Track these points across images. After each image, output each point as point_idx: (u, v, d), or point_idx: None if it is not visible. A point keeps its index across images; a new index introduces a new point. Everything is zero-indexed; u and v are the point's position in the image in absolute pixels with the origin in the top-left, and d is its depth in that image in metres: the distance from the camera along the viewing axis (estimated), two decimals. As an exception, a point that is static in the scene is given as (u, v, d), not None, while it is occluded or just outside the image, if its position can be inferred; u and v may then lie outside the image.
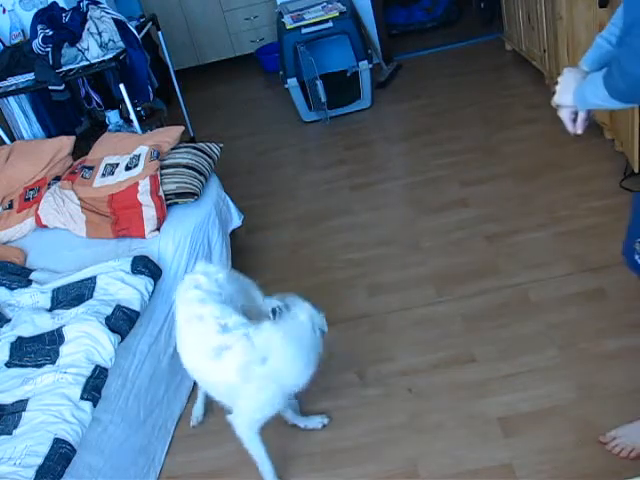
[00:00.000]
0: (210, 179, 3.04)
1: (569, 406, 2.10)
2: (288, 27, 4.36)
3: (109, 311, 2.27)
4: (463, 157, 3.69)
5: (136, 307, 2.33)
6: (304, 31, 4.31)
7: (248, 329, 1.94)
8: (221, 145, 3.19)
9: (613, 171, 3.12)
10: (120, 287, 2.37)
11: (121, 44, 3.54)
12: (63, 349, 2.15)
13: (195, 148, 3.06)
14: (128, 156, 2.94)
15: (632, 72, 1.29)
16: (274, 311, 1.97)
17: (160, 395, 2.40)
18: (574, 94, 1.54)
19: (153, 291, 2.50)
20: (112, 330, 2.19)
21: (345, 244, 3.20)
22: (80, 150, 3.37)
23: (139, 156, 2.89)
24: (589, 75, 1.50)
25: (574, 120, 1.61)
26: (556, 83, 1.65)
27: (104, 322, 2.19)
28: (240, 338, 1.92)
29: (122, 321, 2.25)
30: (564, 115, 1.62)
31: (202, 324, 1.99)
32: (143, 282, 2.43)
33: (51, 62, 3.41)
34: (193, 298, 2.05)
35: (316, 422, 2.29)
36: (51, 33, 3.46)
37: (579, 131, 1.63)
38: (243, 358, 1.92)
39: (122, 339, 2.23)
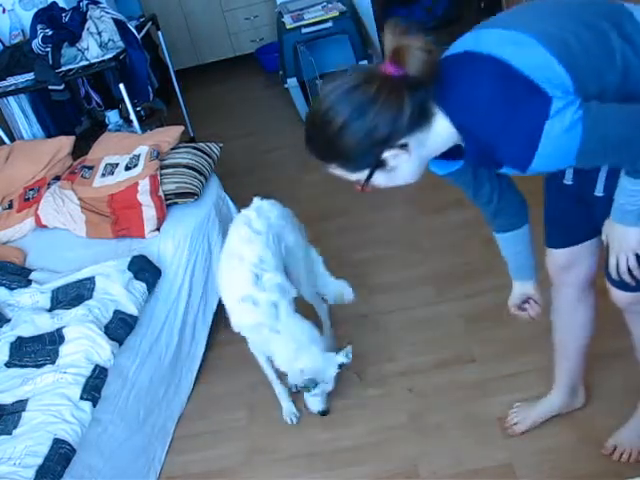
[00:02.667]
0: (210, 179, 3.03)
1: (569, 406, 2.10)
2: (288, 27, 4.36)
3: (108, 318, 2.28)
4: (463, 157, 3.68)
5: (134, 311, 2.34)
6: (304, 31, 4.31)
7: (279, 300, 2.07)
8: (221, 145, 3.19)
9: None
10: (119, 288, 2.37)
11: (121, 44, 3.54)
12: (63, 349, 2.15)
13: (195, 148, 3.06)
14: (128, 156, 2.94)
15: None
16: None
17: (160, 395, 2.40)
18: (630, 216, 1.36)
19: (153, 291, 2.51)
20: (111, 338, 2.20)
21: (345, 244, 3.20)
22: (80, 150, 3.37)
23: (139, 156, 2.89)
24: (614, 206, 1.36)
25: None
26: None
27: (103, 331, 2.20)
28: (268, 303, 2.05)
29: (121, 329, 2.27)
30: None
31: (240, 266, 2.11)
32: (142, 283, 2.44)
33: (51, 62, 3.41)
34: (240, 236, 2.18)
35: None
36: (51, 33, 3.46)
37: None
38: (261, 319, 2.05)
39: (121, 345, 2.25)
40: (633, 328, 1.78)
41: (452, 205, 3.29)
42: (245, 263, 2.11)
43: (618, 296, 1.61)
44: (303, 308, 2.47)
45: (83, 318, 2.24)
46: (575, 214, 1.66)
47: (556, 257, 1.82)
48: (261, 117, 4.95)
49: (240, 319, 2.13)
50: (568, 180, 1.60)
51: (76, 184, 2.95)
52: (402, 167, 1.32)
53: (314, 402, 2.20)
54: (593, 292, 1.86)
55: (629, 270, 1.43)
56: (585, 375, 2.13)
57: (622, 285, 1.51)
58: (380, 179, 1.32)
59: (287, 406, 2.34)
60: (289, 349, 2.07)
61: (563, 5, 1.35)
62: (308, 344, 2.08)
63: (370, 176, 1.30)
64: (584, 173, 1.49)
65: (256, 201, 2.34)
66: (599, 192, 1.48)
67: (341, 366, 2.11)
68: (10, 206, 3.07)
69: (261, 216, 2.25)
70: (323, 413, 2.20)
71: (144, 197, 2.76)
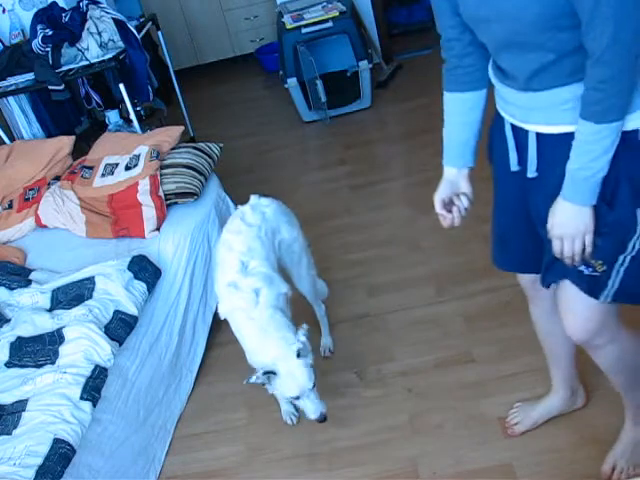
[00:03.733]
0: (210, 179, 3.03)
1: (569, 406, 2.10)
2: (288, 27, 4.36)
3: (108, 318, 2.28)
4: (463, 157, 3.68)
5: (134, 311, 2.34)
6: (304, 31, 4.31)
7: (261, 287, 2.08)
8: (221, 145, 3.19)
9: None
10: (119, 288, 2.37)
11: (121, 44, 3.54)
12: (63, 349, 2.15)
13: (195, 148, 3.06)
14: (128, 156, 2.94)
15: (622, 40, 1.14)
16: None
17: (160, 395, 2.40)
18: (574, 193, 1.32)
19: (153, 291, 2.51)
20: (111, 338, 2.21)
21: (345, 244, 3.20)
22: (80, 150, 3.38)
23: (139, 156, 2.89)
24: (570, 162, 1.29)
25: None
26: None
27: (103, 331, 2.21)
28: (249, 289, 2.07)
29: (121, 329, 2.27)
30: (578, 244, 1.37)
31: (229, 255, 2.18)
32: (142, 283, 2.44)
33: (51, 62, 3.41)
34: (232, 228, 2.27)
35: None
36: (51, 33, 3.46)
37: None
38: (239, 304, 2.07)
39: (121, 345, 2.25)
40: (601, 363, 1.70)
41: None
42: (234, 252, 2.17)
43: (575, 330, 1.57)
44: (300, 311, 2.48)
45: (83, 318, 2.24)
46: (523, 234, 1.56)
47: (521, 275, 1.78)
48: (261, 117, 4.95)
49: (222, 304, 2.16)
50: (514, 166, 1.53)
51: (76, 184, 2.95)
52: None
53: (308, 407, 2.00)
54: None
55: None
56: (585, 375, 2.14)
57: (583, 283, 1.45)
58: None
59: (285, 406, 2.34)
60: (257, 339, 2.03)
61: None
62: (276, 339, 1.99)
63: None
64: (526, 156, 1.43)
65: (253, 198, 2.39)
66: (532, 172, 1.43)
67: (299, 354, 1.94)
68: (10, 206, 3.07)
69: (256, 211, 2.31)
70: (321, 419, 1.99)
71: (144, 197, 2.76)
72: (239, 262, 2.13)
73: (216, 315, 2.76)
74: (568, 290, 1.52)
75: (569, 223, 1.35)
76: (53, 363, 2.13)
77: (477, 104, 1.55)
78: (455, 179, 1.67)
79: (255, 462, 2.23)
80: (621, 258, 1.40)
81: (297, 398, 1.98)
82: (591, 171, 1.27)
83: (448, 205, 1.67)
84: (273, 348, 1.98)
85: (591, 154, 1.26)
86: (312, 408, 1.98)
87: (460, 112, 1.57)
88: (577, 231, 1.34)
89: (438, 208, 1.67)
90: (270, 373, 1.94)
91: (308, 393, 1.97)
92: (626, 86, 1.22)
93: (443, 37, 1.50)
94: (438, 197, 1.67)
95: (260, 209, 2.32)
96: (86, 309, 2.28)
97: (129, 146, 3.01)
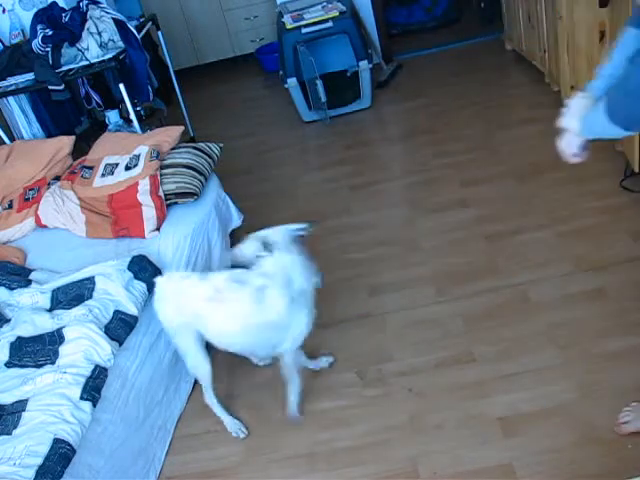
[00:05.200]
0: (210, 179, 3.03)
1: (569, 406, 2.10)
2: (288, 27, 4.36)
3: (108, 318, 2.28)
4: (463, 157, 3.68)
5: (134, 311, 2.34)
6: (304, 31, 4.31)
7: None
8: (221, 145, 3.19)
9: (613, 171, 3.12)
10: (119, 288, 2.37)
11: (121, 44, 3.54)
12: (63, 349, 2.15)
13: (195, 148, 3.06)
14: (128, 156, 2.94)
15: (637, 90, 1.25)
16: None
17: (160, 395, 2.39)
18: (580, 120, 1.53)
19: (153, 291, 2.50)
20: (111, 338, 2.21)
21: (345, 244, 3.20)
22: (80, 150, 3.37)
23: (139, 156, 2.89)
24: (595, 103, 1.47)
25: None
26: (563, 105, 1.61)
27: (103, 331, 2.21)
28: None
29: (121, 329, 2.27)
30: (567, 141, 1.63)
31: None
32: (142, 283, 2.44)
33: (51, 62, 3.41)
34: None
35: (324, 361, 2.49)
36: (51, 33, 3.46)
37: (577, 159, 1.64)
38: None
39: (121, 345, 2.25)
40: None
41: (452, 205, 3.29)
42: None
43: None
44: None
45: (83, 318, 2.24)
46: None
47: None
48: (261, 117, 4.95)
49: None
50: None
51: (76, 184, 2.95)
52: None
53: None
54: None
55: None
56: (585, 375, 2.14)
57: None
58: None
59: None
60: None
61: None
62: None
63: None
64: None
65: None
66: None
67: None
68: (10, 206, 3.07)
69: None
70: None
71: (144, 197, 2.76)
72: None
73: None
74: None
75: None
76: (53, 363, 2.13)
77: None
78: None
79: (255, 462, 2.23)
80: None
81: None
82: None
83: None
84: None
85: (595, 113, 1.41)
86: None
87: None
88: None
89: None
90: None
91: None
92: None
93: None
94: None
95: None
96: (86, 309, 2.28)
97: (129, 146, 3.01)
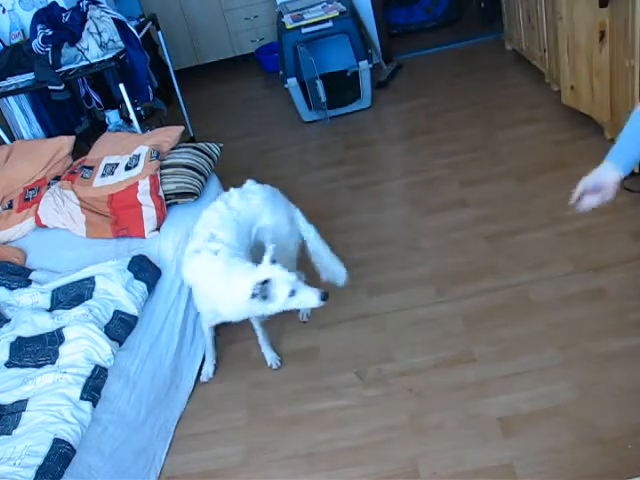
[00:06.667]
0: (210, 179, 3.03)
1: (569, 406, 2.10)
2: (288, 27, 4.36)
3: (108, 318, 2.28)
4: (463, 157, 3.68)
5: (134, 311, 2.34)
6: (304, 31, 4.31)
7: (220, 247, 2.24)
8: (221, 145, 3.19)
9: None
10: (119, 288, 2.37)
11: (121, 44, 3.54)
12: (63, 349, 2.15)
13: (195, 148, 3.06)
14: (128, 156, 2.93)
15: None
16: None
17: (160, 395, 2.39)
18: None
19: (153, 291, 2.50)
20: (111, 338, 2.21)
21: (345, 244, 3.19)
22: (80, 150, 3.37)
23: (139, 156, 2.89)
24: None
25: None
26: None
27: (103, 331, 2.21)
28: (209, 251, 2.25)
29: (121, 329, 2.27)
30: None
31: (202, 228, 2.36)
32: (142, 283, 2.44)
33: (51, 62, 3.41)
34: (215, 207, 2.43)
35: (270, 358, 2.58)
36: (51, 33, 3.46)
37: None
38: (199, 265, 2.27)
39: (121, 345, 2.25)
40: None
41: (452, 205, 3.29)
42: (207, 227, 2.35)
43: None
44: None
45: (83, 318, 2.24)
46: None
47: None
48: (261, 117, 4.95)
49: (185, 269, 2.35)
50: None
51: (76, 184, 2.95)
52: None
53: (307, 297, 2.15)
54: None
55: None
56: (585, 375, 2.14)
57: None
58: None
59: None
60: (224, 281, 2.18)
61: None
62: (244, 269, 2.19)
63: None
64: None
65: (248, 183, 2.53)
66: None
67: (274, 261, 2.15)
68: (10, 206, 3.07)
69: (242, 197, 2.45)
70: (324, 297, 2.13)
71: (144, 197, 2.76)
72: (209, 233, 2.30)
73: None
74: None
75: None
76: (53, 363, 2.13)
77: None
78: (606, 172, 1.64)
79: (255, 462, 2.23)
80: None
81: (293, 293, 2.11)
82: None
83: (585, 193, 1.64)
84: (245, 275, 2.13)
85: None
86: (311, 294, 2.13)
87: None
88: None
89: (580, 188, 1.65)
90: (264, 283, 2.07)
91: (299, 285, 2.13)
92: None
93: None
94: (582, 183, 1.65)
95: (247, 195, 2.45)
96: (86, 309, 2.28)
97: (129, 146, 3.01)
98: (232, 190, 2.50)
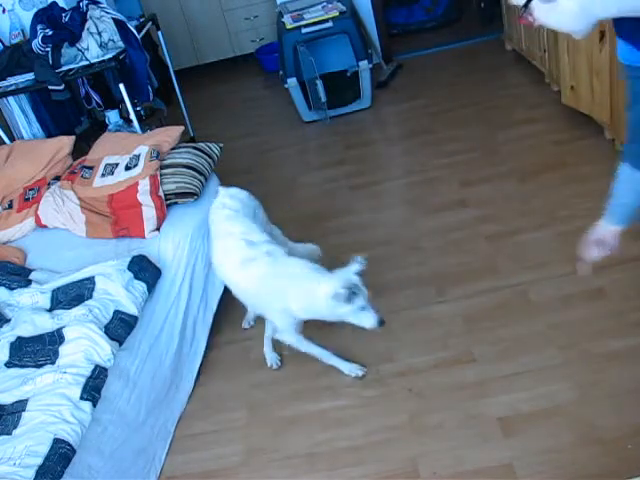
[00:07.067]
0: (210, 179, 3.03)
1: (569, 406, 2.10)
2: (288, 27, 4.36)
3: (108, 318, 2.28)
4: (463, 157, 3.68)
5: (134, 311, 2.34)
6: (304, 31, 4.31)
7: (271, 248, 2.31)
8: (221, 145, 3.19)
9: (613, 171, 3.11)
10: (119, 288, 2.37)
11: (121, 44, 3.54)
12: (63, 349, 2.15)
13: (195, 148, 3.06)
14: (128, 156, 2.94)
15: None
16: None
17: (160, 395, 2.39)
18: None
19: (153, 291, 2.50)
20: (111, 338, 2.21)
21: (345, 244, 3.19)
22: (80, 150, 3.37)
23: (139, 156, 2.89)
24: None
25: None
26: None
27: (103, 331, 2.21)
28: (263, 254, 2.29)
29: (121, 329, 2.28)
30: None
31: (232, 239, 2.37)
32: (142, 283, 2.44)
33: (51, 62, 3.41)
34: (223, 217, 2.47)
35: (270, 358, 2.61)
36: (51, 33, 3.46)
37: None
38: (264, 269, 2.27)
39: (121, 345, 2.25)
40: None
41: (452, 205, 3.29)
42: (235, 234, 2.37)
43: None
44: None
45: (83, 318, 2.24)
46: None
47: None
48: (261, 117, 4.95)
49: (246, 283, 2.34)
50: None
51: (76, 184, 2.95)
52: (562, 4, 1.13)
53: (366, 317, 2.19)
54: None
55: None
56: (584, 374, 2.14)
57: None
58: (540, 11, 1.17)
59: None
60: (302, 286, 2.22)
61: None
62: (314, 273, 2.24)
63: (528, 2, 1.16)
64: None
65: (222, 189, 2.61)
66: None
67: (359, 273, 2.21)
68: (10, 206, 3.07)
69: (234, 198, 2.53)
70: (381, 323, 2.19)
71: (144, 197, 2.76)
72: (245, 242, 2.34)
73: (216, 315, 2.77)
74: None
75: None
76: (53, 363, 2.13)
77: None
78: (609, 228, 1.70)
79: (255, 462, 2.23)
80: None
81: (362, 308, 2.17)
82: None
83: (592, 246, 1.73)
84: (325, 280, 2.18)
85: None
86: (371, 315, 2.18)
87: (631, 181, 1.63)
88: None
89: (589, 240, 1.74)
90: (352, 288, 2.13)
91: (368, 304, 2.19)
92: None
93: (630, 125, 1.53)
94: (589, 237, 1.75)
95: (236, 196, 2.56)
96: (86, 309, 2.28)
97: (129, 146, 3.01)
98: (220, 198, 2.56)
